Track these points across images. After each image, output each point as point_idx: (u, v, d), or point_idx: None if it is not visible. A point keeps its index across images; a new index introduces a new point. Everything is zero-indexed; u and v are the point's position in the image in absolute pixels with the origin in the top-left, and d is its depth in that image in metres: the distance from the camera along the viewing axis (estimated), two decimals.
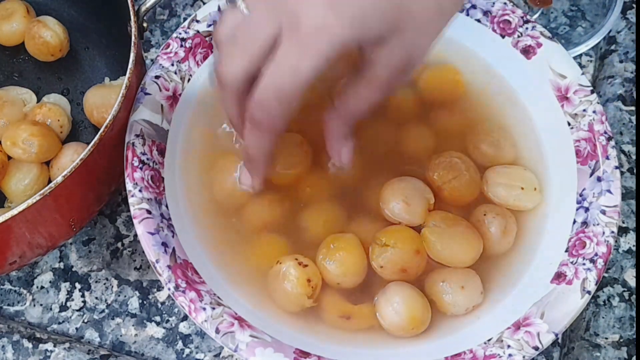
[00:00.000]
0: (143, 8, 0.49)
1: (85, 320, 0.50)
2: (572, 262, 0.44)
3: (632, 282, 0.50)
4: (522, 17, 0.51)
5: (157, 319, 0.50)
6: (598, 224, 0.45)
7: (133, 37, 0.46)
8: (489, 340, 0.43)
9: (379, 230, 0.46)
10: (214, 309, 0.42)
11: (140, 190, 0.44)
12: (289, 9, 0.35)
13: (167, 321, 0.50)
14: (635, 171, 0.54)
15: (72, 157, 0.49)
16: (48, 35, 0.53)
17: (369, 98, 0.40)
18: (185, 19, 0.58)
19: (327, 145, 0.43)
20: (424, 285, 0.45)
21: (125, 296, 0.51)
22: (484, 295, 0.45)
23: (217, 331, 0.41)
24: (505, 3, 0.51)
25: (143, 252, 0.45)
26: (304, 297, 0.43)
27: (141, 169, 0.45)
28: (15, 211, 0.40)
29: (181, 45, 0.49)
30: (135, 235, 0.52)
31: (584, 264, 0.44)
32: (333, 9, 0.35)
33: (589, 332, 0.49)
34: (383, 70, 0.38)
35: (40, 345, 0.49)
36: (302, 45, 0.35)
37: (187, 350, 0.49)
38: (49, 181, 0.50)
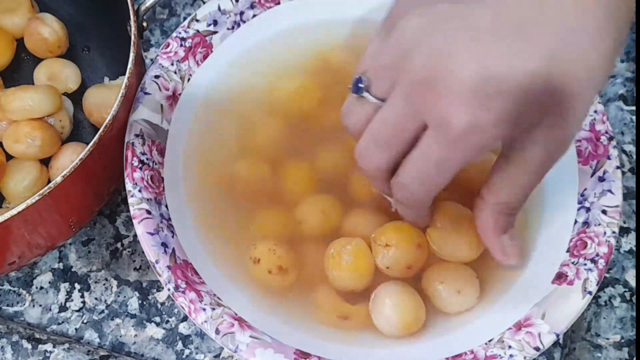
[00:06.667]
0: (143, 7, 0.49)
1: (85, 321, 0.50)
2: (573, 263, 0.44)
3: (633, 283, 0.50)
4: None
5: (157, 319, 0.50)
6: (599, 224, 0.45)
7: (133, 37, 0.46)
8: (490, 340, 0.42)
9: (378, 226, 0.46)
10: (214, 309, 0.42)
11: (140, 191, 0.44)
12: (435, 108, 0.33)
13: (167, 322, 0.50)
14: (636, 171, 0.54)
15: (71, 157, 0.49)
16: (46, 32, 0.53)
17: (526, 184, 0.38)
18: (185, 19, 0.58)
19: (488, 244, 0.41)
20: (422, 278, 0.45)
21: (124, 297, 0.50)
22: (484, 295, 0.45)
23: (217, 332, 0.41)
24: None
25: (143, 252, 0.45)
26: (264, 273, 0.45)
27: (141, 169, 0.45)
28: (14, 211, 0.40)
29: (181, 45, 0.49)
30: (135, 236, 0.52)
31: (585, 265, 0.44)
32: (483, 107, 0.32)
33: (590, 333, 0.49)
34: (538, 153, 0.36)
35: (40, 346, 0.48)
36: (452, 144, 0.34)
37: (187, 351, 0.49)
38: (49, 182, 0.49)
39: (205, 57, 0.50)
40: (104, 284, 0.51)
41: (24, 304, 0.50)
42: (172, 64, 0.49)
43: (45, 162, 0.50)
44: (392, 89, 0.35)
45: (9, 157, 0.50)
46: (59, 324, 0.50)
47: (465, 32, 0.33)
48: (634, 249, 0.51)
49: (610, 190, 0.46)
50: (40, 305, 0.50)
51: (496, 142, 0.34)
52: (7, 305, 0.50)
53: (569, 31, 0.33)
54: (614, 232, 0.44)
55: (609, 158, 0.47)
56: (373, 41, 0.38)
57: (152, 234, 0.43)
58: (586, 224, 0.45)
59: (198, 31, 0.50)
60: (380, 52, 0.36)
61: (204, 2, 0.59)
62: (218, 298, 0.43)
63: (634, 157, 0.55)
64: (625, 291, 0.50)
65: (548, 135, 0.35)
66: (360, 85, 0.37)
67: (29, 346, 0.48)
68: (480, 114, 0.32)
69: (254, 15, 0.52)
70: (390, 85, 0.36)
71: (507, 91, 0.32)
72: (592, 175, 0.47)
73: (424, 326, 0.44)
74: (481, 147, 0.34)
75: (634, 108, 0.56)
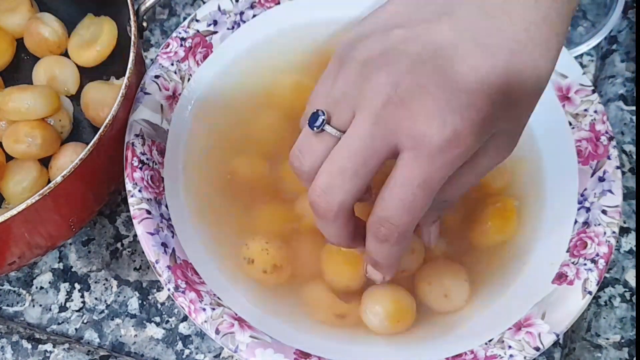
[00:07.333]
0: (143, 7, 0.49)
1: (85, 321, 0.50)
2: (573, 263, 0.44)
3: (633, 283, 0.50)
4: None
5: (157, 319, 0.50)
6: (599, 224, 0.45)
7: (132, 37, 0.46)
8: (490, 340, 0.42)
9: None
10: (214, 309, 0.42)
11: (140, 191, 0.44)
12: (409, 125, 0.33)
13: (167, 322, 0.50)
14: (636, 171, 0.54)
15: (71, 157, 0.49)
16: (46, 32, 0.53)
17: (468, 184, 0.37)
18: (185, 19, 0.58)
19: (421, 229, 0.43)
20: (414, 279, 0.45)
21: (124, 297, 0.50)
22: (484, 295, 0.45)
23: (217, 332, 0.41)
24: None
25: (143, 252, 0.45)
26: (260, 273, 0.45)
27: (141, 169, 0.45)
28: (14, 211, 0.40)
29: (181, 45, 0.49)
30: (135, 236, 0.52)
31: (585, 265, 0.44)
32: (462, 118, 0.33)
33: (590, 333, 0.49)
34: (490, 157, 0.36)
35: (40, 346, 0.48)
36: (432, 161, 0.33)
37: (187, 351, 0.49)
38: (48, 182, 0.49)
39: (205, 57, 0.50)
40: (104, 284, 0.51)
41: (24, 304, 0.50)
42: (172, 64, 0.49)
43: (45, 162, 0.50)
44: (354, 117, 0.35)
45: (8, 157, 0.50)
46: (59, 324, 0.50)
47: (428, 51, 0.33)
48: (634, 249, 0.51)
49: (610, 190, 0.46)
50: (40, 305, 0.50)
51: (473, 151, 0.34)
52: (7, 305, 0.50)
53: (522, 42, 0.34)
54: (614, 232, 0.44)
55: (609, 158, 0.47)
56: (321, 79, 0.38)
57: (152, 234, 0.43)
58: (586, 224, 0.45)
59: (198, 31, 0.50)
60: (336, 82, 0.36)
61: (204, 2, 0.59)
62: (218, 298, 0.43)
63: (634, 157, 0.54)
64: (625, 291, 0.50)
65: (501, 139, 0.36)
66: (320, 117, 0.36)
67: (29, 346, 0.48)
68: (460, 123, 0.33)
69: (254, 15, 0.52)
70: (351, 114, 0.35)
71: (480, 96, 0.33)
72: (592, 175, 0.47)
73: (423, 326, 0.44)
74: (462, 159, 0.34)
75: (634, 108, 0.56)
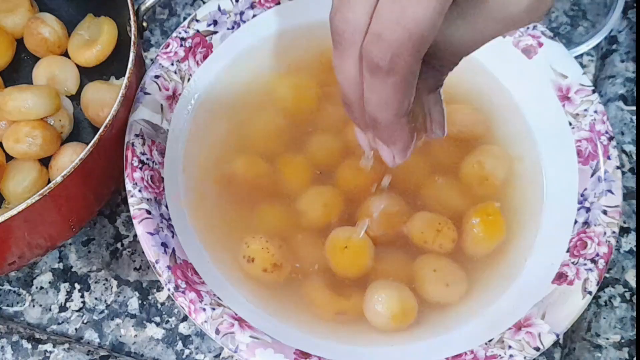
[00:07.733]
0: (143, 7, 0.49)
1: (85, 321, 0.50)
2: (573, 263, 0.44)
3: (633, 283, 0.50)
4: None
5: (157, 319, 0.50)
6: (599, 224, 0.45)
7: (132, 37, 0.46)
8: (490, 340, 0.42)
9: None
10: (214, 309, 0.42)
11: (140, 191, 0.44)
12: None
13: (167, 322, 0.50)
14: (636, 171, 0.54)
15: (71, 157, 0.49)
16: (46, 32, 0.53)
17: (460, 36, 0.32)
18: (185, 19, 0.58)
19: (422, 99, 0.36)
20: (414, 263, 0.46)
21: (124, 297, 0.50)
22: (484, 294, 0.45)
23: (217, 332, 0.41)
24: None
25: (143, 252, 0.45)
26: (260, 272, 0.45)
27: (141, 169, 0.45)
28: (14, 211, 0.40)
29: (181, 45, 0.49)
30: (135, 236, 0.52)
31: (585, 265, 0.44)
32: None
33: (590, 333, 0.49)
34: None
35: (40, 346, 0.48)
36: None
37: (187, 351, 0.49)
38: (48, 183, 0.49)
39: (205, 57, 0.50)
40: (104, 284, 0.51)
41: (24, 304, 0.50)
42: (172, 64, 0.49)
43: (45, 162, 0.50)
44: None
45: (8, 157, 0.50)
46: (59, 324, 0.50)
47: None
48: (634, 249, 0.51)
49: (610, 190, 0.46)
50: (40, 305, 0.50)
51: None
52: (7, 306, 0.50)
53: None
54: (614, 232, 0.44)
55: (609, 158, 0.47)
56: None
57: (152, 234, 0.43)
58: (586, 224, 0.45)
59: (198, 31, 0.50)
60: None
61: (204, 2, 0.59)
62: (218, 298, 0.43)
63: (634, 157, 0.54)
64: (625, 291, 0.50)
65: None
66: None
67: (29, 346, 0.48)
68: None
69: (254, 15, 0.52)
70: None
71: None
72: (592, 175, 0.47)
73: (423, 326, 0.44)
74: None
75: (634, 108, 0.56)
